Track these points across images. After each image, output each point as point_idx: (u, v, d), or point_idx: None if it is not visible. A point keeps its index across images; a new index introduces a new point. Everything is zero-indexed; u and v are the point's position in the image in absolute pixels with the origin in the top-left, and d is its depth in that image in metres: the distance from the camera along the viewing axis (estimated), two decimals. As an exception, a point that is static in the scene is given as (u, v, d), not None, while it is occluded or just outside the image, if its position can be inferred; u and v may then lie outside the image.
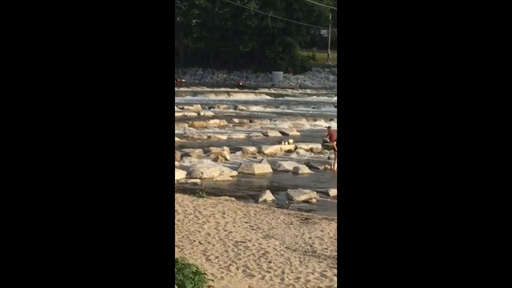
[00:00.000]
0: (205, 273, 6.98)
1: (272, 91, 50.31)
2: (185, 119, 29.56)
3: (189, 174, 16.71)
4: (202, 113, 32.53)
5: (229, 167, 18.06)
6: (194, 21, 64.37)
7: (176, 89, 37.76)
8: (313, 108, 39.91)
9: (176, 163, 17.86)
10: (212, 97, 42.29)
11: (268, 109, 37.52)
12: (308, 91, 52.48)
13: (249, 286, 7.19)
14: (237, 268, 7.83)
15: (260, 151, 21.27)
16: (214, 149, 20.25)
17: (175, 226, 9.71)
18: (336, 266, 8.19)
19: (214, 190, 14.68)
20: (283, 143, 22.74)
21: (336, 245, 9.36)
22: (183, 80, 55.29)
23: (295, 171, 18.24)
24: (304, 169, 18.45)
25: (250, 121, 30.23)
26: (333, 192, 15.15)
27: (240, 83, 54.96)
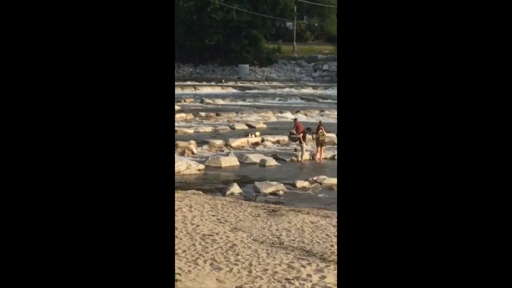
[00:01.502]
0: (172, 267, 6.95)
1: (238, 84, 50.31)
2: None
3: (156, 169, 16.58)
4: (168, 107, 32.27)
5: (196, 160, 18.01)
6: (158, 14, 63.79)
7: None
8: (279, 100, 40.05)
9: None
10: (179, 91, 42.01)
11: (235, 102, 37.52)
12: (274, 83, 52.61)
13: (216, 279, 7.19)
14: (205, 262, 7.82)
15: (227, 144, 21.27)
16: (180, 143, 20.16)
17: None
18: (303, 258, 8.24)
19: (181, 184, 14.63)
20: (250, 136, 22.78)
21: (303, 236, 9.42)
22: None
23: (262, 164, 18.28)
24: (271, 161, 18.51)
25: (217, 115, 30.21)
26: (300, 183, 15.25)
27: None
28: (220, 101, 37.36)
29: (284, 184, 15.11)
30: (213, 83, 49.95)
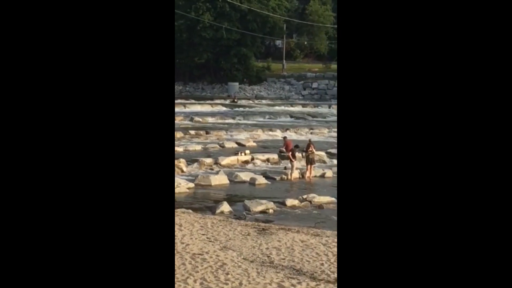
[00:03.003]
0: (162, 287, 6.92)
1: (228, 102, 50.37)
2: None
3: (145, 187, 16.51)
4: (158, 125, 32.15)
5: (185, 179, 17.97)
6: (148, 33, 63.88)
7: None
8: (269, 118, 40.10)
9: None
10: (168, 109, 41.89)
11: (225, 120, 37.53)
12: (264, 101, 52.72)
13: (206, 299, 7.16)
14: (195, 281, 7.80)
15: (216, 163, 21.24)
16: (170, 162, 20.10)
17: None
18: (293, 277, 8.23)
19: (171, 203, 14.55)
20: (239, 154, 22.77)
21: (293, 255, 9.41)
22: None
23: (252, 182, 18.27)
24: (261, 180, 18.49)
25: (207, 133, 30.17)
26: (290, 202, 15.24)
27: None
28: (209, 119, 37.35)
29: (274, 202, 15.09)
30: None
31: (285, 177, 19.37)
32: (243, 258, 9.11)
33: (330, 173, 19.91)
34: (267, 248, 9.81)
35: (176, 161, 20.15)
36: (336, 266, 8.70)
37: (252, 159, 22.39)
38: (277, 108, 46.71)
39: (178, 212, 13.15)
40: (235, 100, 51.49)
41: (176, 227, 11.07)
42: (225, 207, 14.34)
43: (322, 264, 8.84)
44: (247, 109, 45.44)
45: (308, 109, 46.20)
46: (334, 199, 15.64)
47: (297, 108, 46.96)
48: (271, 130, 32.20)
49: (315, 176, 19.65)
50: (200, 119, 36.79)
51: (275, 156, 22.55)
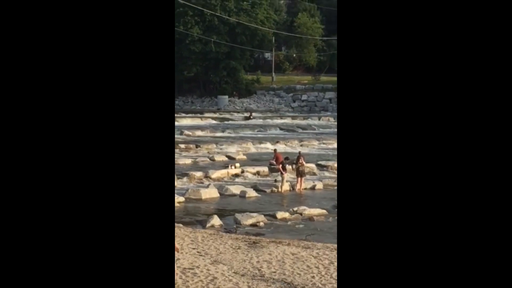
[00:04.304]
0: (152, 303, 6.88)
1: (217, 115, 50.35)
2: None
3: (135, 202, 16.44)
4: (147, 139, 32.08)
5: (176, 193, 17.89)
6: (137, 47, 63.89)
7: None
8: (258, 131, 40.10)
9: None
10: (158, 123, 41.80)
11: (214, 134, 37.50)
12: (254, 114, 52.77)
13: (197, 314, 7.12)
14: (185, 296, 7.77)
15: (207, 176, 21.19)
16: (160, 176, 20.02)
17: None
18: (284, 289, 8.22)
19: (161, 217, 14.49)
20: (229, 167, 22.74)
21: (284, 268, 9.39)
22: None
23: (242, 195, 18.24)
24: (251, 193, 18.47)
25: (197, 146, 30.10)
26: (280, 214, 15.22)
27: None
28: (199, 133, 37.28)
29: (265, 215, 15.07)
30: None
31: (276, 189, 19.36)
32: (234, 272, 9.08)
33: (321, 185, 19.93)
34: (258, 262, 9.79)
35: (166, 175, 20.10)
36: (327, 279, 8.70)
37: (242, 172, 22.37)
38: (267, 121, 46.74)
39: (168, 226, 13.10)
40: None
41: (167, 241, 11.02)
42: (216, 220, 14.31)
43: (313, 277, 8.82)
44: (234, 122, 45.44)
45: (297, 121, 46.26)
46: (324, 211, 15.66)
47: (286, 121, 47.00)
48: (260, 142, 32.20)
49: (306, 189, 19.66)
50: (190, 133, 36.72)
51: (265, 169, 22.54)
